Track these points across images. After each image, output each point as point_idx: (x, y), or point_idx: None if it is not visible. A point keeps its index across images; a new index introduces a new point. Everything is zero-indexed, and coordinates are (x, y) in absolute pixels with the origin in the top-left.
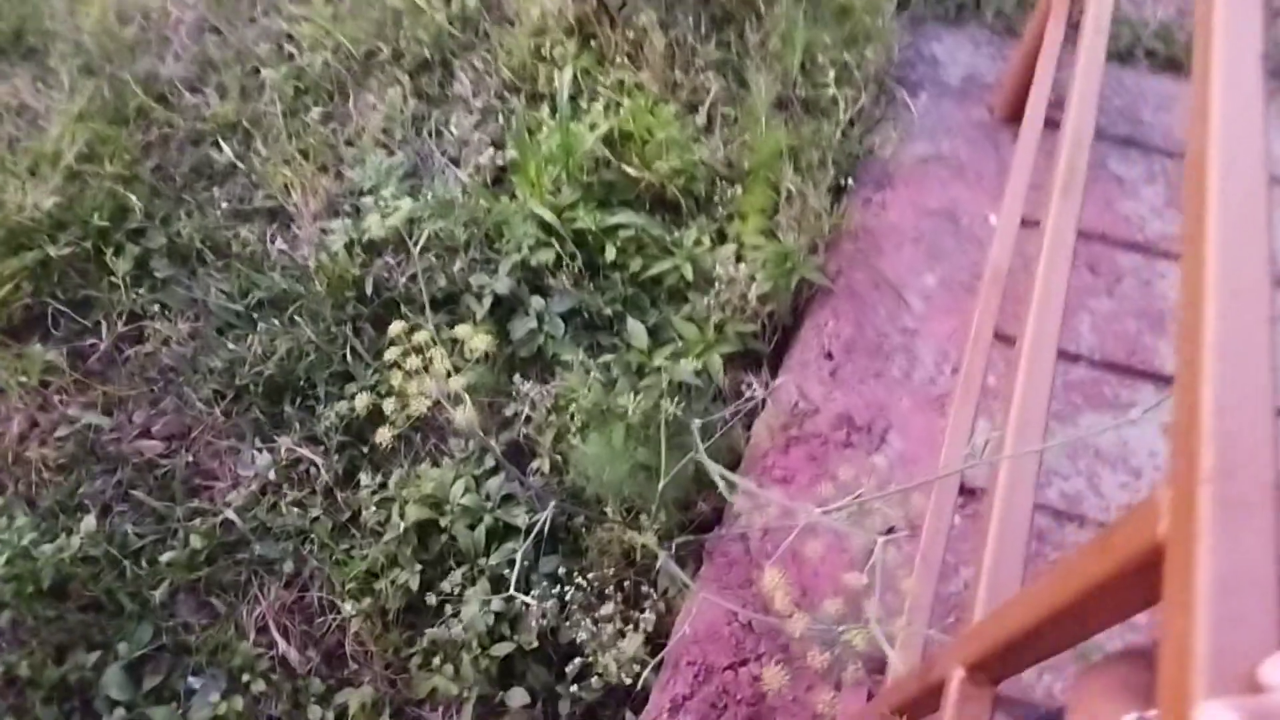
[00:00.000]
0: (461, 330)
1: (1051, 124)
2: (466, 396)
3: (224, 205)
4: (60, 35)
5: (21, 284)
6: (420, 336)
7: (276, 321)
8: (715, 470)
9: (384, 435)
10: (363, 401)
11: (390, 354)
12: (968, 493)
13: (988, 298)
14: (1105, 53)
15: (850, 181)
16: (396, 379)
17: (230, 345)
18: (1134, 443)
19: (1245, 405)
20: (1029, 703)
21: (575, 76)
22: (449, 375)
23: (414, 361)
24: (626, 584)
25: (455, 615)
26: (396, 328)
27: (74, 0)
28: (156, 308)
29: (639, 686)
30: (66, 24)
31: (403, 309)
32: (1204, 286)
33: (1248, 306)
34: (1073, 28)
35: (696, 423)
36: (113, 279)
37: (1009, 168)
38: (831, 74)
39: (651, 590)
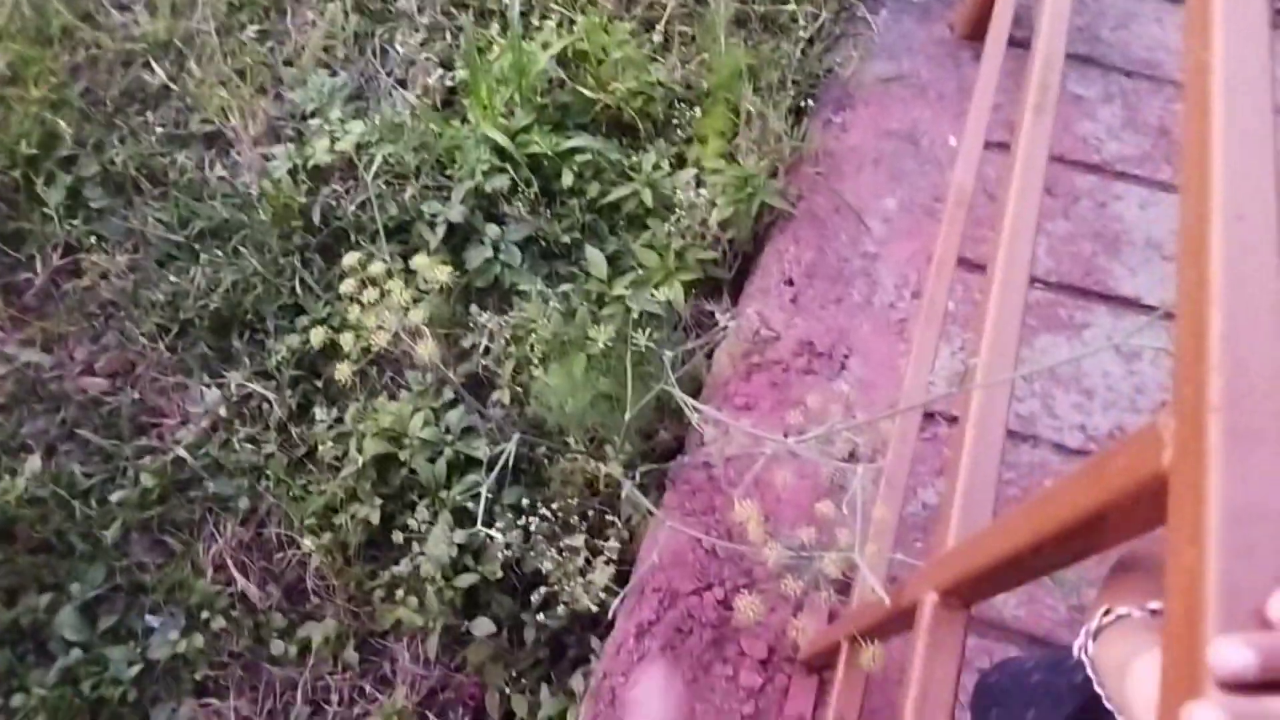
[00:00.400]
0: (419, 261)
1: (1014, 43)
2: (426, 330)
3: (159, 130)
4: None
5: None
6: (376, 268)
7: (220, 252)
8: (682, 398)
9: (343, 371)
10: (318, 336)
11: (346, 286)
12: (927, 416)
13: (951, 221)
14: None
15: (810, 102)
16: (353, 312)
17: (172, 278)
18: (1087, 364)
19: (1254, 332)
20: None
21: None
22: (407, 309)
23: (370, 294)
24: (590, 513)
25: (418, 548)
26: (351, 259)
27: None
28: (93, 240)
29: (604, 613)
30: None
31: (353, 239)
32: (1209, 210)
33: (1255, 231)
34: None
35: (668, 354)
36: (45, 210)
37: (970, 87)
38: None
39: (615, 519)
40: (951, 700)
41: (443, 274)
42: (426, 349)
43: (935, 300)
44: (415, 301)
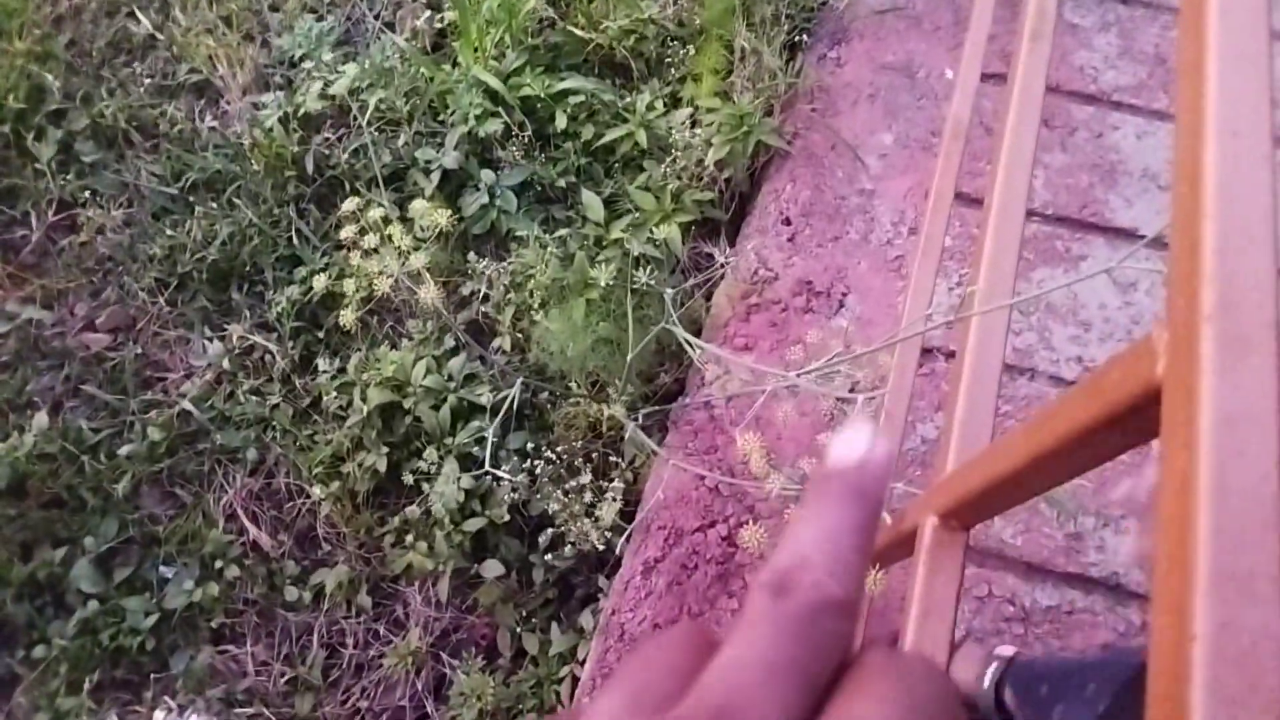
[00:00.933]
0: (417, 205)
1: None
2: (428, 274)
3: (147, 81)
4: None
5: None
6: (375, 213)
7: (214, 204)
8: (683, 336)
9: (346, 318)
10: (320, 283)
11: (345, 232)
12: (925, 352)
13: (948, 155)
14: None
15: (805, 37)
16: (354, 259)
17: (169, 231)
18: (1084, 296)
19: (1246, 245)
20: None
21: None
22: (409, 253)
23: (371, 239)
24: (594, 455)
25: (426, 494)
26: (350, 204)
27: None
28: (87, 194)
29: (611, 553)
30: None
31: (347, 187)
32: (1203, 127)
33: (1248, 146)
34: None
35: (669, 292)
36: (37, 166)
37: (966, 18)
38: None
39: (619, 460)
40: (952, 618)
41: (441, 218)
42: (429, 293)
43: (932, 235)
44: (415, 248)
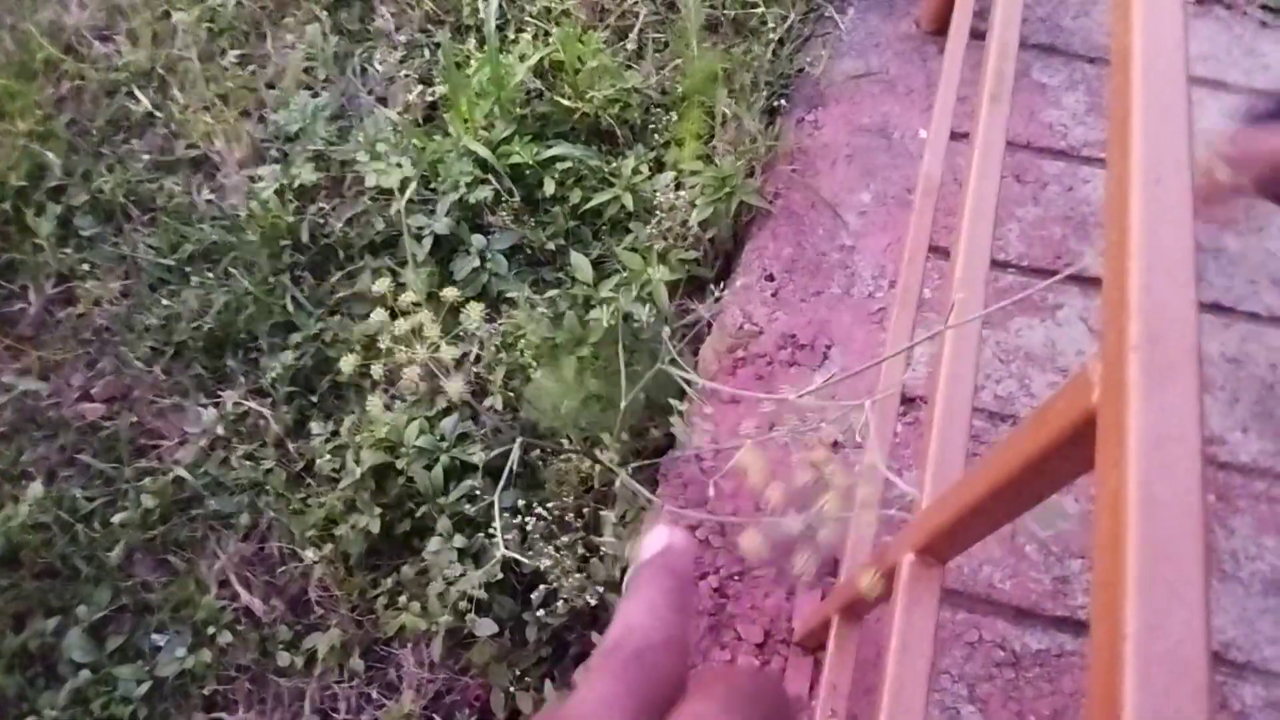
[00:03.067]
0: (449, 293)
1: (977, 35)
2: (452, 365)
3: (145, 157)
4: None
5: None
6: (407, 298)
7: (211, 274)
8: (679, 375)
9: (374, 404)
10: (349, 364)
11: (376, 316)
12: (908, 401)
13: (921, 211)
14: None
15: (783, 102)
16: (384, 341)
17: (165, 301)
18: (1062, 344)
19: (1168, 281)
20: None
21: (500, 5)
22: (438, 346)
23: (403, 326)
24: (585, 511)
25: (419, 554)
26: (381, 285)
27: None
28: (85, 267)
29: (604, 608)
30: None
31: (341, 254)
32: (1129, 175)
33: (1169, 191)
34: None
35: (667, 330)
36: (36, 240)
37: (937, 80)
38: None
39: (610, 514)
40: (930, 650)
41: (476, 311)
42: (456, 387)
43: (909, 287)
44: (443, 337)
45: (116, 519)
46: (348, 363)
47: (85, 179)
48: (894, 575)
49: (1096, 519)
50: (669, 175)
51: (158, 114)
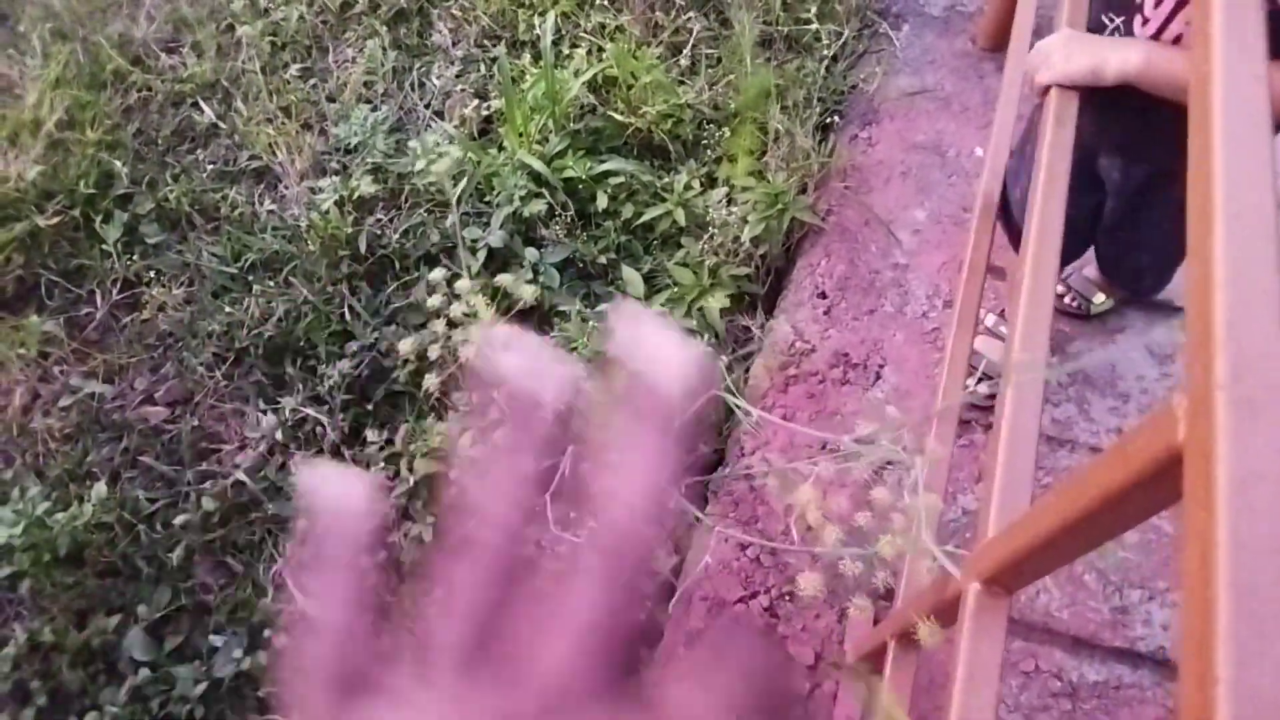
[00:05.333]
0: (503, 278)
1: None
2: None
3: (209, 167)
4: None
5: (11, 256)
6: (462, 284)
7: (272, 283)
8: (731, 401)
9: (430, 381)
10: (406, 346)
11: (432, 301)
12: (963, 424)
13: (979, 230)
14: None
15: (837, 119)
16: (438, 326)
17: (227, 308)
18: (1122, 368)
19: (1252, 317)
20: None
21: (556, 22)
22: (494, 323)
23: (457, 309)
24: None
25: None
26: (437, 274)
27: None
28: (150, 274)
29: (652, 623)
30: None
31: (397, 265)
32: (1211, 208)
33: (1252, 226)
34: None
35: (723, 358)
36: (104, 247)
37: (994, 99)
38: (814, 9)
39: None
40: (997, 683)
41: (528, 292)
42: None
43: (966, 308)
44: (502, 316)
45: (177, 521)
46: (406, 345)
47: (151, 188)
48: (958, 603)
49: (1184, 558)
50: (721, 191)
51: (221, 125)
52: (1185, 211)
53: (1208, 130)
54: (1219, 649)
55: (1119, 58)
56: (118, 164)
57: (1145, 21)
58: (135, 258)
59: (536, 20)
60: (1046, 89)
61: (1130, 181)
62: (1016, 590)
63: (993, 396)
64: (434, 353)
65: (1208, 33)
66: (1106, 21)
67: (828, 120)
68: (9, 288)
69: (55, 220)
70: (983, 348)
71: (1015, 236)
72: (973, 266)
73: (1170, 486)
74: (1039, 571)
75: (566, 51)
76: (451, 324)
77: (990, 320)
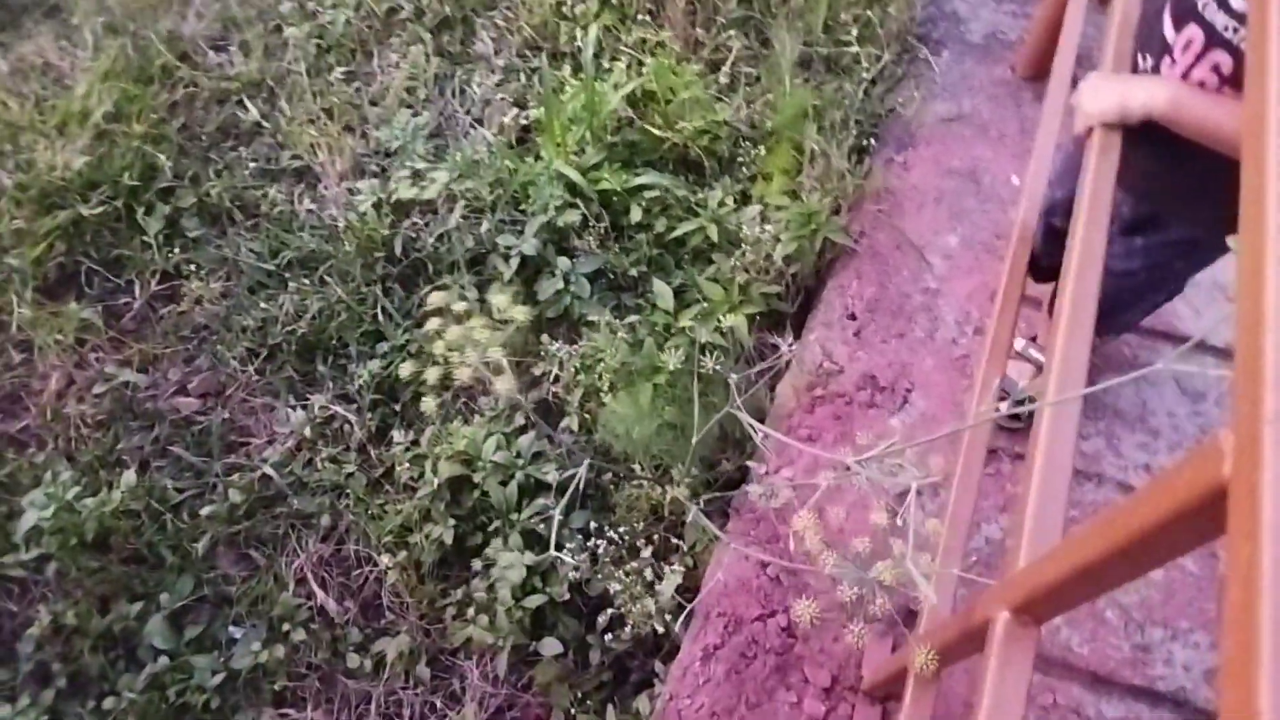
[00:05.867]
0: (499, 300)
1: (1077, 84)
2: (506, 365)
3: (251, 165)
4: None
5: (55, 243)
6: (460, 306)
7: (307, 281)
8: (747, 421)
9: (428, 405)
10: (405, 369)
11: (431, 324)
12: (990, 453)
13: (1014, 258)
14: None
15: (873, 141)
16: (438, 348)
17: (262, 304)
18: (1153, 404)
19: None
20: None
21: (597, 35)
22: (487, 346)
23: (455, 331)
24: (655, 538)
25: (489, 568)
26: (437, 298)
27: None
28: (190, 267)
29: (668, 638)
30: None
31: (431, 270)
32: (1262, 245)
33: None
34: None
35: (734, 377)
36: (144, 238)
37: (1032, 127)
38: (854, 31)
39: (680, 544)
40: (1022, 712)
41: (520, 313)
42: (505, 384)
43: (998, 336)
44: (494, 334)
45: (204, 511)
46: (405, 369)
47: (194, 182)
48: (985, 631)
49: (1227, 590)
50: (755, 209)
51: (265, 124)
52: (1168, 260)
53: (1261, 171)
54: (1261, 681)
55: (1145, 94)
56: (162, 158)
57: (1173, 64)
58: (175, 250)
59: (578, 33)
60: (1086, 133)
61: (1131, 216)
62: (1046, 620)
63: (1016, 418)
64: (462, 375)
65: (1264, 76)
66: (1140, 60)
67: (864, 143)
68: (50, 274)
69: (98, 210)
70: (1012, 370)
71: (1035, 264)
72: (1006, 294)
73: (1213, 521)
74: (1071, 602)
75: (607, 65)
76: (452, 350)
77: (1020, 344)
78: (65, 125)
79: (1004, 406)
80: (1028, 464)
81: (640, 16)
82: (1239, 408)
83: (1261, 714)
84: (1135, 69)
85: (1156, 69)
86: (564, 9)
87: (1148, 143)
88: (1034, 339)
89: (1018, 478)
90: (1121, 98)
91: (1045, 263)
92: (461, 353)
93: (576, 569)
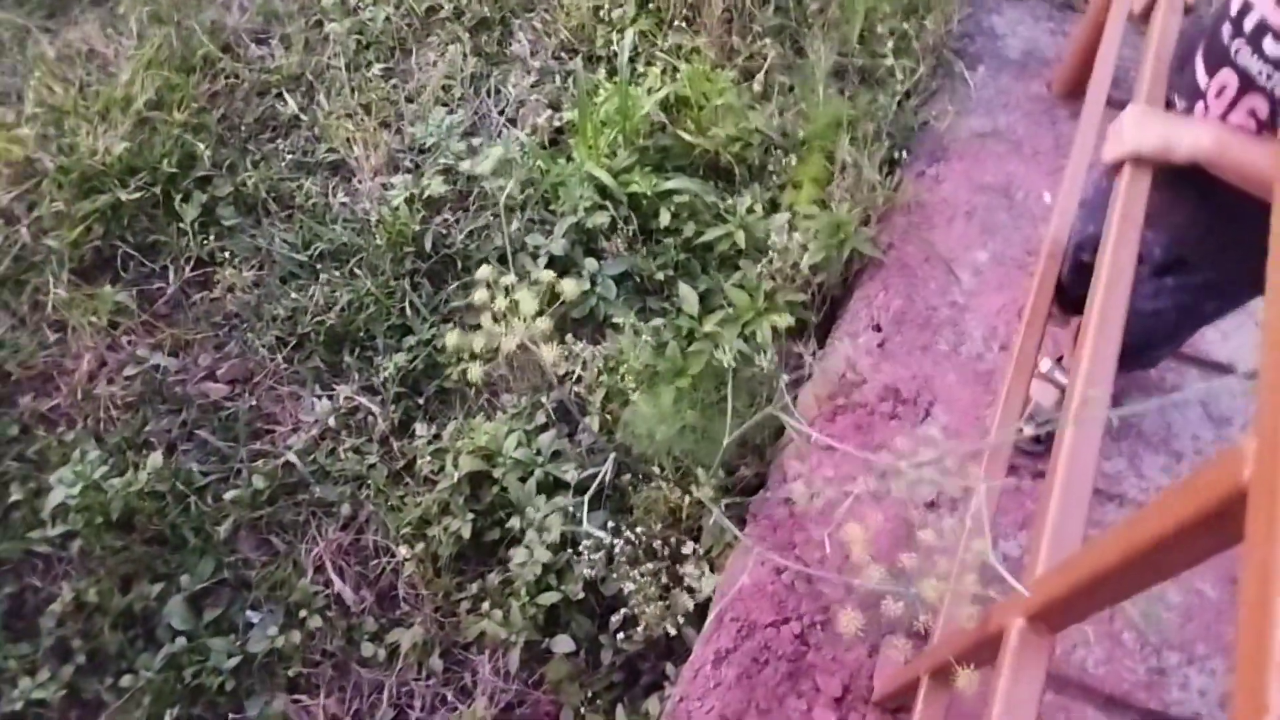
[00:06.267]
0: (543, 274)
1: (1112, 104)
2: (542, 342)
3: (288, 156)
4: None
5: (93, 226)
6: (507, 280)
7: (338, 273)
8: (790, 423)
9: (474, 371)
10: (452, 339)
11: (478, 296)
12: (1011, 469)
13: (1044, 275)
14: (1179, 30)
15: (905, 154)
16: (485, 319)
17: (293, 294)
18: (1177, 426)
19: None
20: None
21: (634, 39)
22: (534, 316)
23: (501, 303)
24: (672, 540)
25: (505, 563)
26: (484, 271)
27: None
28: (224, 255)
29: (680, 641)
30: None
31: (459, 265)
32: None
33: None
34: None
35: (785, 377)
36: (180, 225)
37: (1066, 144)
38: (890, 44)
39: (696, 547)
40: None
41: (569, 286)
42: (550, 352)
43: (1024, 352)
44: (539, 314)
45: (228, 495)
46: (452, 339)
47: (231, 172)
48: (999, 640)
49: (1245, 588)
50: (783, 216)
51: (303, 117)
52: (1198, 302)
53: None
54: (1272, 682)
55: (1191, 137)
56: (201, 146)
57: (1207, 109)
58: (210, 238)
59: (614, 36)
60: (1118, 164)
61: (1162, 257)
62: (1061, 629)
63: (1038, 440)
64: (509, 344)
65: None
66: (1173, 101)
67: (895, 155)
68: (87, 257)
69: (136, 195)
70: (1037, 392)
71: (1062, 293)
72: (1034, 310)
73: (1233, 526)
74: (1088, 610)
75: (641, 69)
76: (497, 319)
77: (1045, 365)
78: (108, 111)
79: (1029, 429)
80: (1048, 479)
81: (677, 22)
82: (1261, 413)
83: (1271, 709)
84: (1168, 109)
85: (1189, 111)
86: (601, 13)
87: (1182, 184)
88: (1060, 360)
89: (1037, 495)
90: (1166, 138)
91: (1073, 295)
92: (507, 322)
93: (592, 567)
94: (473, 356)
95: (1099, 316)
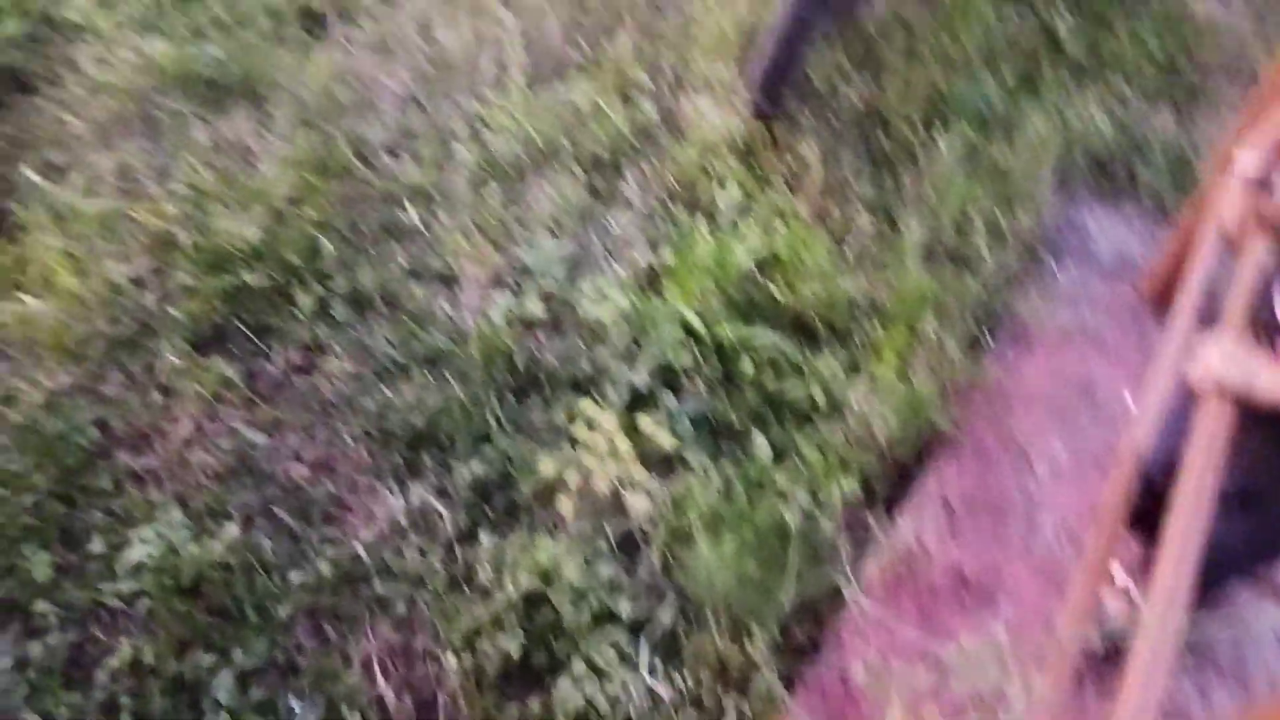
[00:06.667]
0: (645, 423)
1: (1202, 319)
2: (641, 488)
3: (403, 262)
4: (284, 87)
5: (216, 303)
6: (609, 422)
7: (430, 377)
8: (852, 599)
9: (565, 506)
10: (549, 467)
11: (578, 430)
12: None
13: (1119, 481)
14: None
15: (988, 336)
16: (582, 455)
17: (386, 391)
18: (1252, 658)
19: None
20: None
21: (735, 194)
22: (629, 462)
23: (600, 441)
24: (720, 691)
25: (547, 690)
26: (586, 406)
27: (302, 59)
28: (335, 346)
29: None
30: (292, 78)
31: (545, 385)
32: None
33: None
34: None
35: (849, 544)
36: (295, 311)
37: (1150, 350)
38: (982, 230)
39: (744, 705)
40: None
41: (666, 440)
42: (640, 505)
43: (1096, 558)
44: (637, 458)
45: (293, 576)
46: (548, 467)
47: (349, 269)
48: None
49: None
50: (863, 380)
51: (421, 228)
52: (1272, 538)
53: None
54: None
55: (1277, 384)
56: (326, 243)
57: None
58: (320, 328)
59: (717, 189)
60: (1198, 389)
61: (1234, 487)
62: None
63: (1107, 657)
64: (570, 478)
65: None
66: (1252, 337)
67: (978, 335)
68: (204, 330)
69: (261, 280)
70: (1108, 603)
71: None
72: (1108, 517)
73: None
74: None
75: (737, 220)
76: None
77: (1119, 577)
78: (247, 200)
79: (1095, 638)
80: (1118, 699)
81: (777, 182)
82: None
83: None
84: (1274, 329)
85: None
86: (707, 166)
87: (1259, 421)
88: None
89: (1097, 706)
90: (1251, 379)
91: (1139, 510)
92: (603, 461)
93: (635, 707)
94: (558, 486)
95: (1176, 546)
